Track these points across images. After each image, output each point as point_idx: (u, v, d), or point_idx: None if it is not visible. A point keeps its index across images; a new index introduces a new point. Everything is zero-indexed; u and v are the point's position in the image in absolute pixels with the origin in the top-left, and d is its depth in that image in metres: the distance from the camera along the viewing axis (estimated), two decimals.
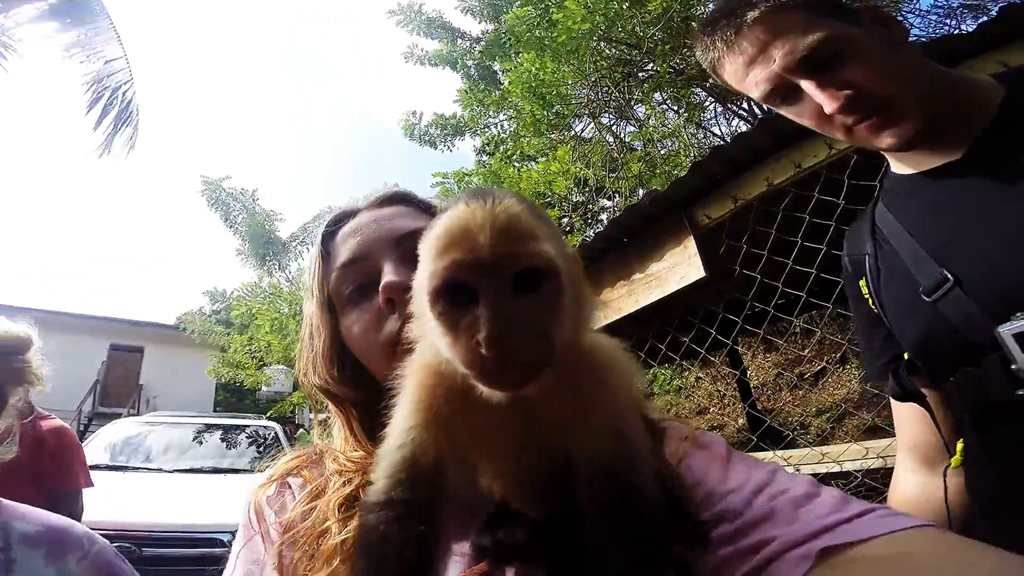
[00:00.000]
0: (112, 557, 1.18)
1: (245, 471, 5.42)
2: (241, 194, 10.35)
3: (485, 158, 9.49)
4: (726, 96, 7.70)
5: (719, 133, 8.43)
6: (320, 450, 0.77)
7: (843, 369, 7.28)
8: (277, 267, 10.06)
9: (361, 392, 0.73)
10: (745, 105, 7.86)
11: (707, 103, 8.23)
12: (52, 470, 2.64)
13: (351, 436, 0.74)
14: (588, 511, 0.46)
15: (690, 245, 2.43)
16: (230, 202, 10.27)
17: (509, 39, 7.49)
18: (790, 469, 1.26)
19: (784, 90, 0.93)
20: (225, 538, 3.92)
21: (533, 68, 6.08)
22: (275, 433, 6.62)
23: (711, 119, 8.62)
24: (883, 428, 2.88)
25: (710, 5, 7.06)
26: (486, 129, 9.33)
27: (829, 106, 0.87)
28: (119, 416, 9.89)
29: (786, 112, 0.98)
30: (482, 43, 9.09)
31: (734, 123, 8.39)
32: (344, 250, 0.76)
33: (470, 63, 9.09)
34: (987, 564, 0.41)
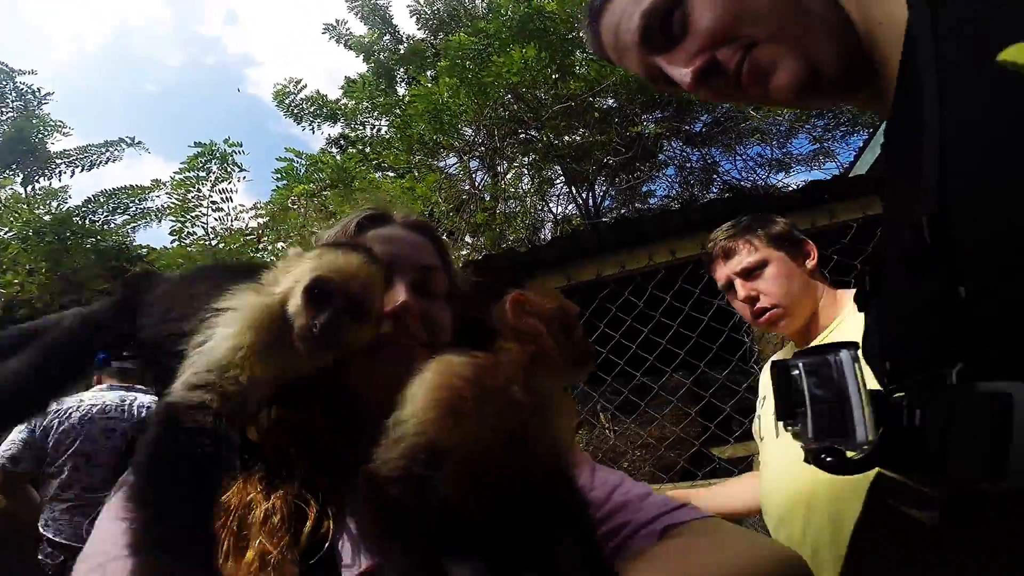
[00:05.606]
0: None
1: None
2: (32, 94, 8.76)
3: (334, 150, 9.23)
4: (576, 181, 9.06)
5: (554, 211, 9.60)
6: None
7: None
8: (22, 179, 8.35)
9: None
10: (585, 195, 9.29)
11: (558, 180, 9.38)
12: None
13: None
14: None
15: None
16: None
17: (437, 54, 7.69)
18: None
19: (655, 77, 0.84)
20: None
21: (446, 93, 6.61)
22: None
23: (556, 195, 9.72)
24: None
25: (609, 100, 8.25)
26: (360, 126, 9.20)
27: (686, 82, 0.76)
28: None
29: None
30: (406, 46, 9.17)
31: (570, 208, 9.68)
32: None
33: (383, 59, 9.05)
34: (744, 537, 0.79)
